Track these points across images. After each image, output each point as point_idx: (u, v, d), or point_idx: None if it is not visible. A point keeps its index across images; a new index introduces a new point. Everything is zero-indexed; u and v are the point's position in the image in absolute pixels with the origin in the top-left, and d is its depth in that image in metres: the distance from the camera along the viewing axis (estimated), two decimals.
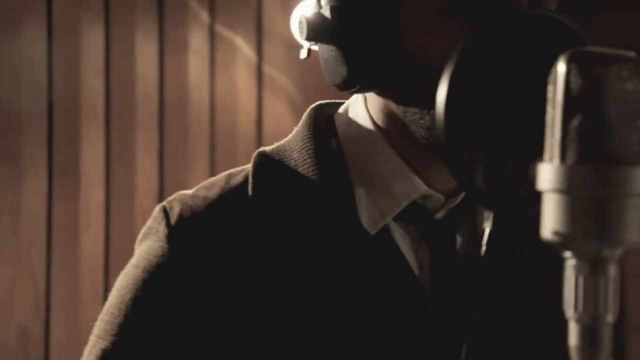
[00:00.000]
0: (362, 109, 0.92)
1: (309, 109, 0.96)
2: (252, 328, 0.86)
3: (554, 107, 0.65)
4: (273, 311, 0.85)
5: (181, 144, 2.45)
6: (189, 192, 0.93)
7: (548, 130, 0.66)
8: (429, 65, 0.80)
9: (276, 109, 2.61)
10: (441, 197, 0.89)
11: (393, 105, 0.88)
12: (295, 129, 0.95)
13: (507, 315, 0.90)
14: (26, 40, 2.17)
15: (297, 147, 0.92)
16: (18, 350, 2.12)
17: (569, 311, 0.65)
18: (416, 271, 0.89)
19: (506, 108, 0.75)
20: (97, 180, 2.29)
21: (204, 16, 2.47)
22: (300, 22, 0.87)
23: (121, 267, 1.00)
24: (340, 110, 0.96)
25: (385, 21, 0.84)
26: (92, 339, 0.91)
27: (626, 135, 0.63)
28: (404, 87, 0.85)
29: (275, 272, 0.86)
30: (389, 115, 0.89)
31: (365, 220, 0.88)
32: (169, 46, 2.42)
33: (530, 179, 0.67)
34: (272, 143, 0.97)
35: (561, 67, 0.64)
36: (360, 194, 0.89)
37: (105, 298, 1.03)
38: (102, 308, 0.94)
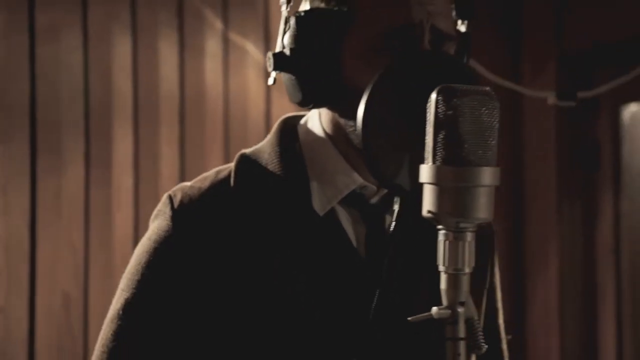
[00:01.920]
0: (316, 121, 1.15)
1: (278, 121, 1.18)
2: (231, 284, 1.05)
3: (429, 125, 0.88)
4: (247, 272, 1.05)
5: (199, 136, 2.52)
6: (189, 183, 1.13)
7: (426, 141, 0.89)
8: (362, 90, 1.02)
9: (282, 104, 2.64)
10: (374, 188, 1.11)
11: (338, 118, 1.10)
12: (268, 136, 1.17)
13: (411, 269, 1.10)
14: (64, 50, 2.30)
15: (267, 150, 1.13)
16: (62, 313, 2.28)
17: (440, 265, 0.89)
18: (354, 242, 1.09)
19: (406, 122, 0.98)
20: (127, 169, 2.39)
21: (219, 25, 2.55)
22: (268, 58, 1.10)
23: None
24: (302, 121, 1.18)
25: (330, 58, 1.06)
26: (118, 292, 1.11)
27: (475, 146, 0.86)
28: (344, 105, 1.05)
29: (248, 243, 1.06)
30: (336, 125, 1.11)
31: (316, 204, 1.09)
32: (188, 52, 2.50)
33: (417, 174, 0.90)
34: None
35: (433, 97, 0.87)
36: (314, 186, 1.09)
37: None
38: None
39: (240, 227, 1.08)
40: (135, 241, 2.37)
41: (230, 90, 2.58)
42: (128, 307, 1.09)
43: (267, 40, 2.68)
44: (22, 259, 2.25)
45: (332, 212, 1.10)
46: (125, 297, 1.10)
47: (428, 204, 0.87)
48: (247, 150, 1.16)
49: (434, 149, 0.87)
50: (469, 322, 0.87)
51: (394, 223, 1.10)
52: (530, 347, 2.99)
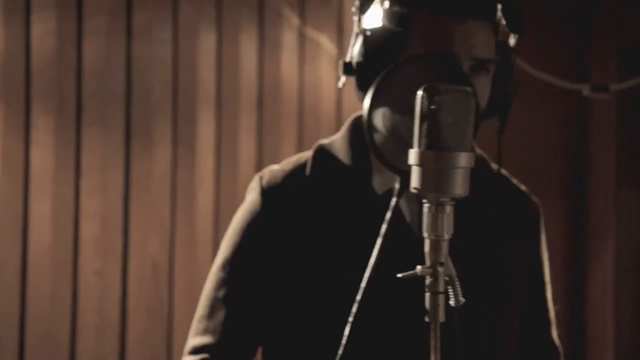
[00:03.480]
0: None
1: (350, 117, 1.36)
2: (300, 254, 1.25)
3: (416, 117, 1.03)
4: (318, 239, 1.25)
5: (275, 123, 2.67)
6: (276, 166, 1.34)
7: (414, 130, 1.04)
8: None
9: (352, 96, 2.75)
10: None
11: None
12: (342, 130, 1.35)
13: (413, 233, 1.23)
14: (156, 45, 2.50)
15: (339, 142, 1.33)
16: (150, 278, 2.49)
17: (424, 233, 1.03)
18: (408, 218, 1.26)
19: (404, 114, 1.14)
20: (209, 152, 2.57)
21: (295, 21, 2.68)
22: (339, 65, 1.27)
23: (228, 218, 1.34)
24: None
25: (382, 71, 1.22)
26: (219, 253, 1.34)
27: (452, 135, 0.99)
28: None
29: (320, 216, 1.26)
30: None
31: (376, 186, 1.27)
32: (266, 45, 2.65)
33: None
34: None
35: (419, 94, 1.02)
36: (376, 172, 1.28)
37: (215, 241, 1.30)
38: (212, 248, 1.30)
39: (312, 205, 1.28)
40: (216, 216, 2.59)
41: (304, 82, 2.72)
42: (226, 263, 1.31)
43: (341, 36, 2.80)
44: (116, 230, 2.47)
45: (389, 192, 1.26)
46: (224, 255, 1.32)
47: (414, 181, 1.00)
48: (324, 141, 1.35)
49: (419, 137, 1.00)
50: (449, 279, 1.02)
51: (394, 199, 1.25)
52: (589, 321, 3.09)
